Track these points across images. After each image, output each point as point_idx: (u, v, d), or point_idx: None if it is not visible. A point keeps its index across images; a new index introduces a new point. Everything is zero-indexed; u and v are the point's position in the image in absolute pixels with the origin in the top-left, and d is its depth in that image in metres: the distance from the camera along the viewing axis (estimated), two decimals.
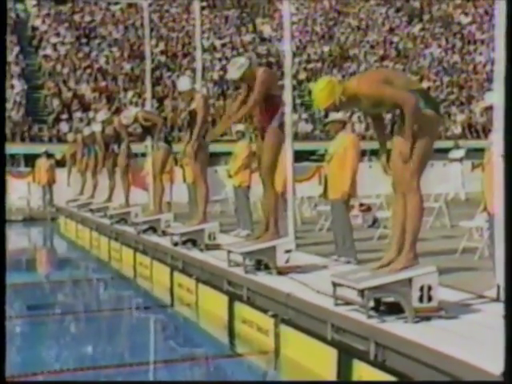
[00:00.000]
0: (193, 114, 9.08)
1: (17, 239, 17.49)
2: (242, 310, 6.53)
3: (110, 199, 13.95)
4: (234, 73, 7.08)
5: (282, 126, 7.27)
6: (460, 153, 19.11)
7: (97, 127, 14.48)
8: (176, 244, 9.10)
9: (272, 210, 7.14)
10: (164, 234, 10.10)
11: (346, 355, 4.72)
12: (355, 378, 4.50)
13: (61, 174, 19.33)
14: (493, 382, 3.62)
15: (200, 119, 8.97)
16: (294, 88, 22.78)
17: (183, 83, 9.50)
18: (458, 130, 28.69)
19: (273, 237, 7.00)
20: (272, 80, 7.17)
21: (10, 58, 27.08)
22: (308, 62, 30.92)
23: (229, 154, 12.80)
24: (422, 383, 4.22)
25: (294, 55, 27.75)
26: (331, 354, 4.84)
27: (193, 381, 4.87)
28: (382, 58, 32.41)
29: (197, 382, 4.88)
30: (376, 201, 12.15)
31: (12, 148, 23.02)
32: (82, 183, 16.78)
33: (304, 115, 27.14)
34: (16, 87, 25.46)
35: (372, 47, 33.30)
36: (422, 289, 4.75)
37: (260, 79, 7.00)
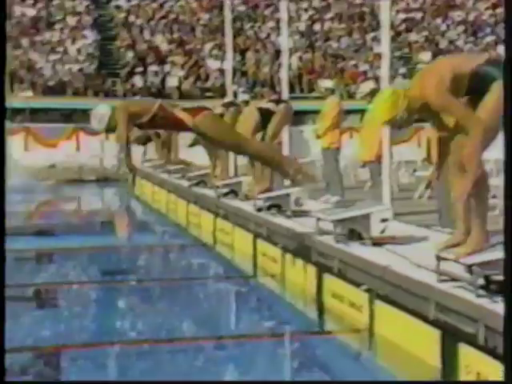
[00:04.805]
0: None
1: (89, 200, 17.98)
2: (332, 283, 6.47)
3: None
4: (97, 125, 7.58)
5: None
6: None
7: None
8: (260, 209, 9.11)
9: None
10: (247, 198, 10.13)
11: (451, 338, 4.60)
12: (462, 364, 4.37)
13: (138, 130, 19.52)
14: (493, 382, 3.66)
15: None
16: (393, 39, 22.27)
17: None
18: None
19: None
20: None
21: (80, 8, 27.54)
22: (407, 11, 30.17)
23: (316, 112, 12.68)
24: (423, 383, 4.21)
25: (391, 4, 27.09)
26: (434, 335, 4.73)
27: (195, 381, 4.87)
28: (495, 6, 31.25)
29: (198, 382, 4.87)
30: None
31: (85, 103, 23.54)
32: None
33: (402, 70, 26.55)
34: (88, 37, 25.91)
35: None
36: None
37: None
